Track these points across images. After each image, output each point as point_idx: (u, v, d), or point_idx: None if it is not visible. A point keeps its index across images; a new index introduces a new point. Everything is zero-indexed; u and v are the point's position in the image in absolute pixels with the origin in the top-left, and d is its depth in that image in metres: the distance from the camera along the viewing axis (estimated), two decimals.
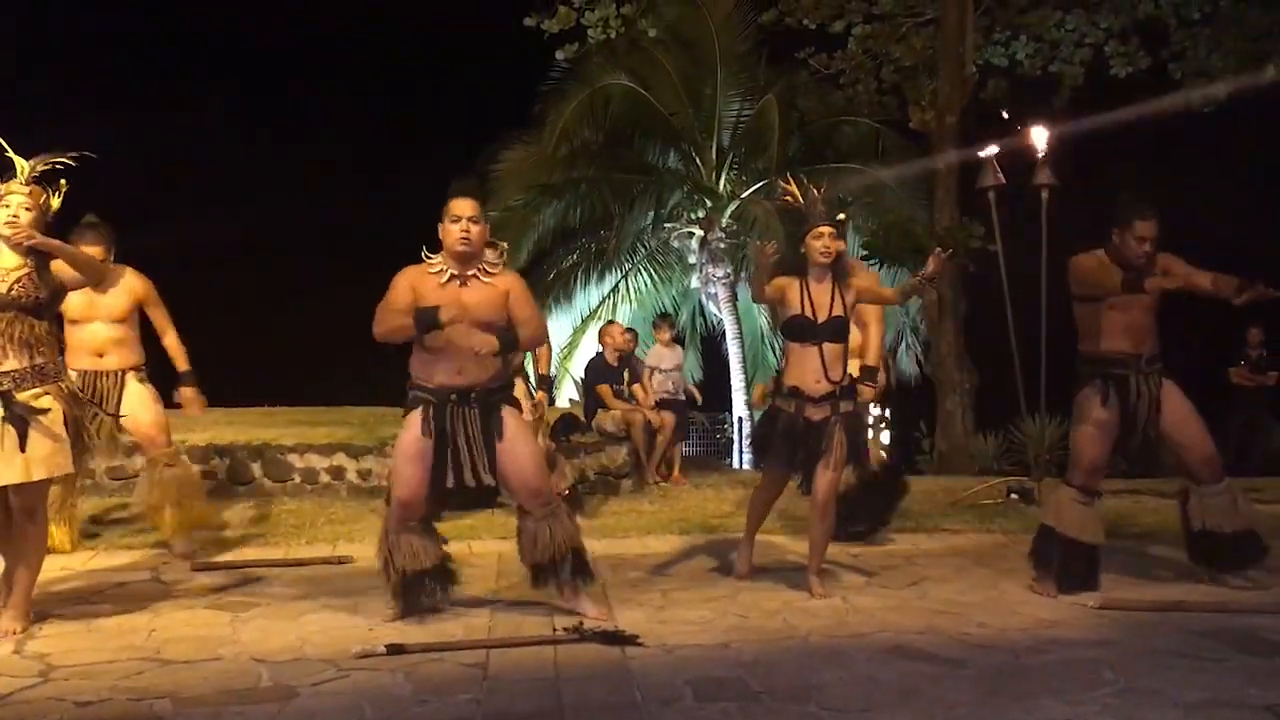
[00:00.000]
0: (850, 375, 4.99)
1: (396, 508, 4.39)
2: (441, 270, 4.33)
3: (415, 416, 4.31)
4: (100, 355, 5.53)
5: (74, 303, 5.19)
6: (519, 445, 4.35)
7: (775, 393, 4.98)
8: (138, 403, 5.57)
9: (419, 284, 4.30)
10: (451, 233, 4.30)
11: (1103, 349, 4.94)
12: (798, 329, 4.79)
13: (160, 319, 5.66)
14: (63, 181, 4.36)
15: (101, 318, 5.52)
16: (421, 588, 4.43)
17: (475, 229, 4.31)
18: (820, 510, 4.85)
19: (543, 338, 4.80)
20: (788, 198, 4.95)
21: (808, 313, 4.76)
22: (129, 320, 5.61)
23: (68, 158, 4.33)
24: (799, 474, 5.02)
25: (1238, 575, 4.98)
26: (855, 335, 5.38)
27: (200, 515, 5.79)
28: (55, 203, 4.35)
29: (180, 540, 5.66)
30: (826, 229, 4.77)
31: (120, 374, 5.57)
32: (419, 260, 4.37)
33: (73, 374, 5.00)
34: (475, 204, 4.36)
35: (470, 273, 4.35)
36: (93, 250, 5.16)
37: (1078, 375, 5.03)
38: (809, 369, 4.77)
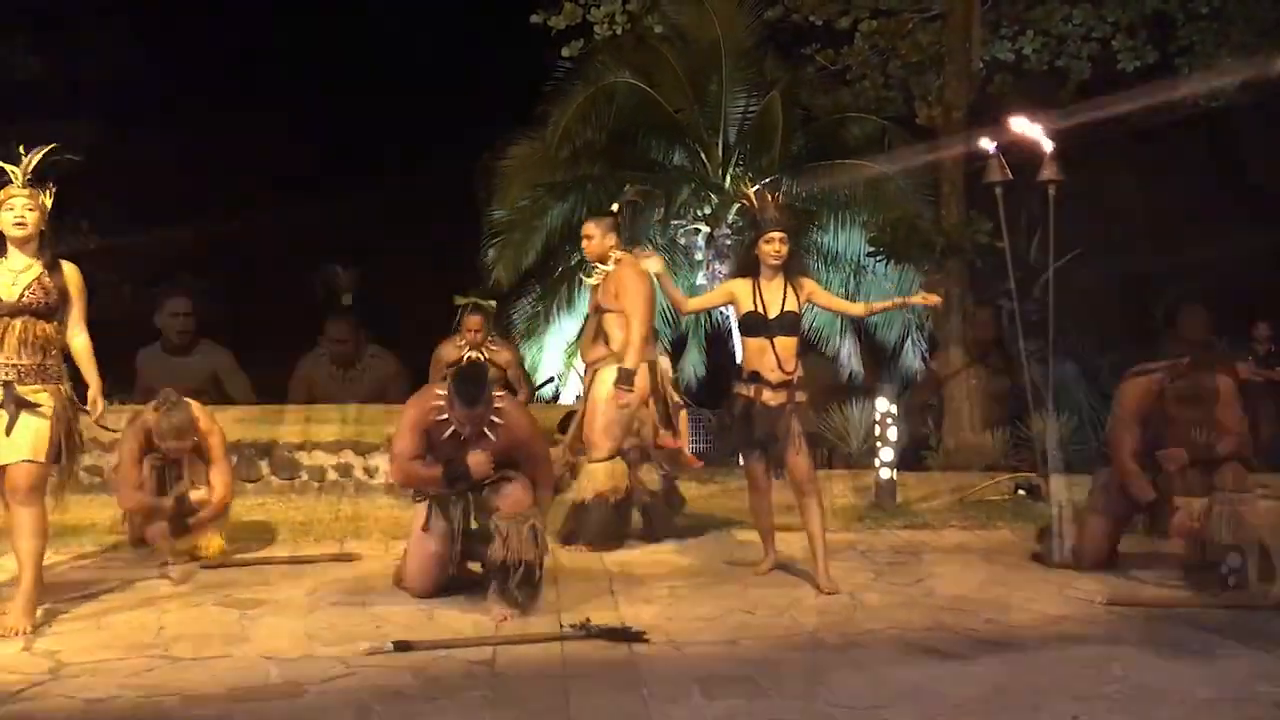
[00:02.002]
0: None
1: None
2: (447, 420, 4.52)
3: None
4: None
5: None
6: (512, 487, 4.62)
7: (736, 379, 5.24)
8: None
9: (428, 424, 4.56)
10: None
11: None
12: (751, 324, 5.08)
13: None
14: (50, 182, 4.38)
15: None
16: None
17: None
18: (805, 494, 4.99)
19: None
20: (744, 201, 5.23)
21: (759, 309, 5.01)
22: None
23: (50, 153, 4.35)
24: (764, 457, 5.12)
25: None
26: (618, 337, 5.73)
27: (193, 547, 5.48)
28: (47, 201, 4.38)
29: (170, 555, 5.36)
30: (777, 234, 5.02)
31: None
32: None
33: None
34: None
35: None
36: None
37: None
38: (766, 360, 5.03)
